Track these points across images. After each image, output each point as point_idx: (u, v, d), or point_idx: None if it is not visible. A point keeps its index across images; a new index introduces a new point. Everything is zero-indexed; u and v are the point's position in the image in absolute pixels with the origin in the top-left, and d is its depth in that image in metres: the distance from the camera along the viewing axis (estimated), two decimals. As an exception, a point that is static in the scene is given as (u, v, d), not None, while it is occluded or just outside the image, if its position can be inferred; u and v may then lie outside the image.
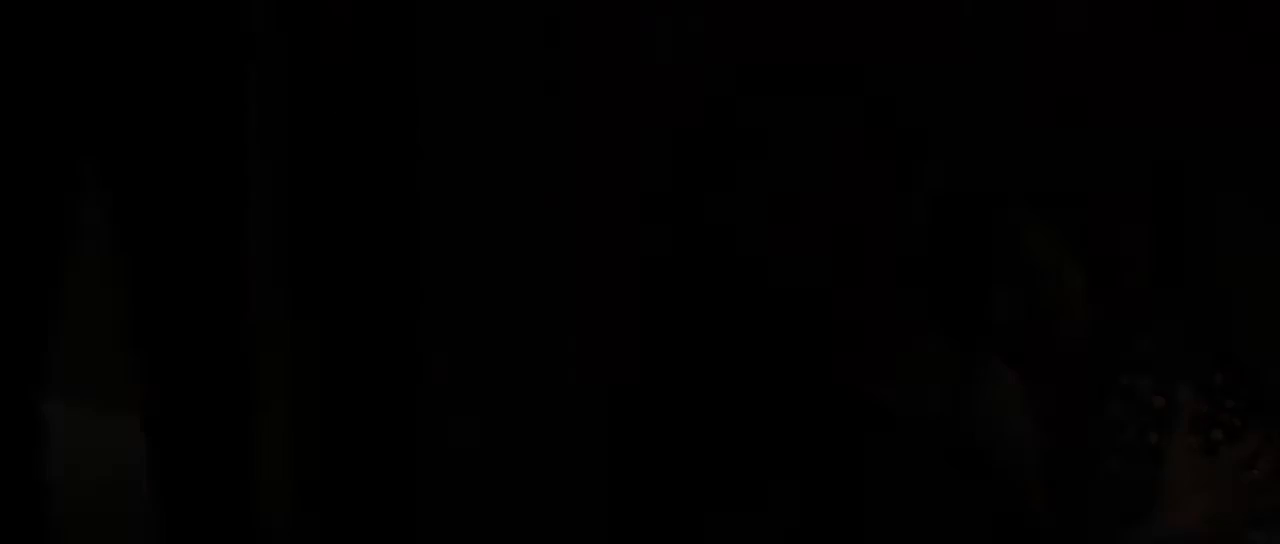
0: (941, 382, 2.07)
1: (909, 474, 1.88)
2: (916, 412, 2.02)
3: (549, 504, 2.64)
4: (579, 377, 2.63)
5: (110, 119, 2.64)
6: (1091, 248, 2.31)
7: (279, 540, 2.96)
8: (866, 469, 1.85)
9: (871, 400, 1.97)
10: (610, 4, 2.85)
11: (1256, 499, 2.04)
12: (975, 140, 2.50)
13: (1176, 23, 2.56)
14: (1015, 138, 2.54)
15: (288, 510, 2.86)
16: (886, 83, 2.10)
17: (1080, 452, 2.20)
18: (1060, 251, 2.22)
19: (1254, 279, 2.26)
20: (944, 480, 1.91)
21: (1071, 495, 2.17)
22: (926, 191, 2.04)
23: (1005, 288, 2.17)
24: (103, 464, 3.30)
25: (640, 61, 2.75)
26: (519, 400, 2.69)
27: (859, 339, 2.00)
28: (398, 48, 2.91)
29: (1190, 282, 2.24)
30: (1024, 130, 2.57)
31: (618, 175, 2.58)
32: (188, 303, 2.67)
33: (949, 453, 1.97)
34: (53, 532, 2.80)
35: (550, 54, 2.70)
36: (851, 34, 2.64)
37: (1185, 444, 2.06)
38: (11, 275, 2.64)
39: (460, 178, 2.73)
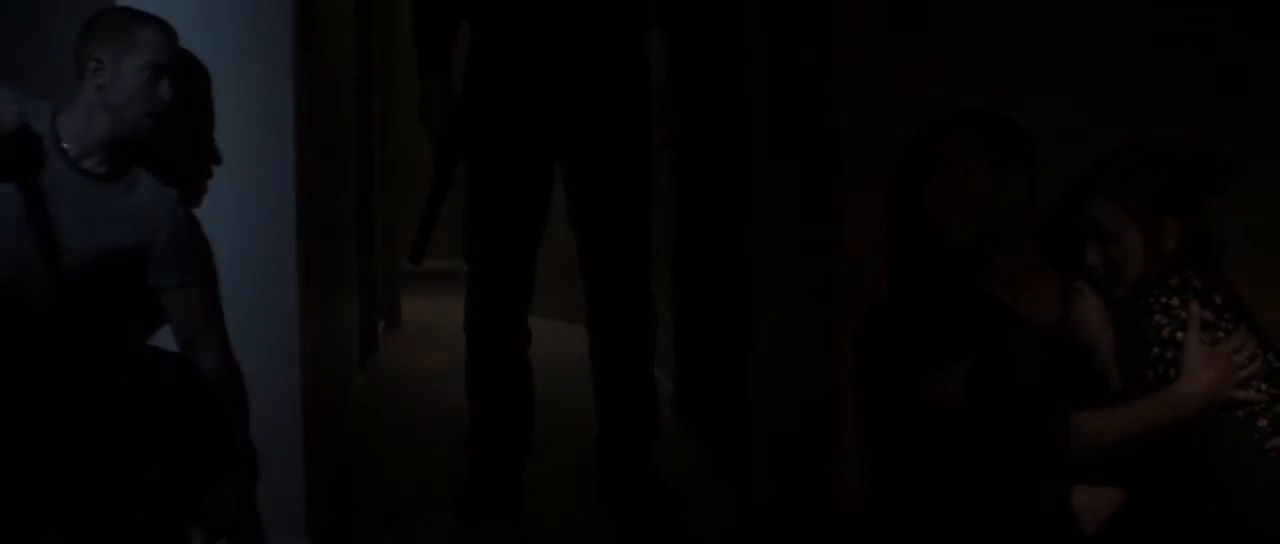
0: (1057, 299, 2.58)
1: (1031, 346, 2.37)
2: (1042, 316, 2.56)
3: None
4: None
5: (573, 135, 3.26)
6: (1142, 222, 2.50)
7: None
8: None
9: (1014, 311, 2.51)
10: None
11: (1238, 373, 2.41)
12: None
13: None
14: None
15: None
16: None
17: (1136, 342, 2.47)
18: (1124, 224, 2.50)
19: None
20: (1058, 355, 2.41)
21: (1130, 368, 2.48)
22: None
23: (1093, 246, 2.52)
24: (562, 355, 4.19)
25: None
26: None
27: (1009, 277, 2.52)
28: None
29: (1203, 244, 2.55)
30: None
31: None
32: (610, 249, 3.32)
33: (1056, 341, 2.46)
34: (530, 398, 3.49)
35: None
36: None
37: (1197, 339, 2.41)
38: (519, 235, 3.30)
39: None
